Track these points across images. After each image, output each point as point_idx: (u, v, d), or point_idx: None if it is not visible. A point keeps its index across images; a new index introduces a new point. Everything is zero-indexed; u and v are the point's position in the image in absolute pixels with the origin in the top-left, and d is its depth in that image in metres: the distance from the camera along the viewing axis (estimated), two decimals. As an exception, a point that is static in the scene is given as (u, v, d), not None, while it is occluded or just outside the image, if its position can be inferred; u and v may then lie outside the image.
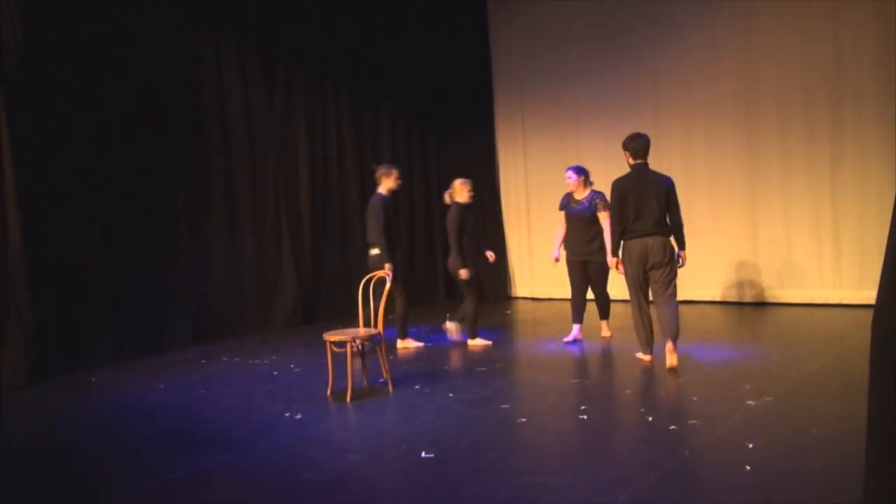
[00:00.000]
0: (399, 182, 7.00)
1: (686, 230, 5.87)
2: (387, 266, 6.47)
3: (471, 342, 6.93)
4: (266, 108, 8.67)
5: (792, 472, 3.37)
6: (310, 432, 4.46)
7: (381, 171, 6.98)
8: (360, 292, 5.53)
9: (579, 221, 6.69)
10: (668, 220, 5.63)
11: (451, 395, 5.12)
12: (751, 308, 8.29)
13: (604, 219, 6.50)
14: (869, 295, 6.96)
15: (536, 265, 10.21)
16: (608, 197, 5.94)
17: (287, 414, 4.86)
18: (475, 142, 10.56)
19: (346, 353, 5.12)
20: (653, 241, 5.55)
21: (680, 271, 5.85)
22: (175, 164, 7.76)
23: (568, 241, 6.84)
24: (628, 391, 5.13)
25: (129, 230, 7.31)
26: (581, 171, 6.79)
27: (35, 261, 6.45)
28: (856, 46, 7.66)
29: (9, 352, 6.23)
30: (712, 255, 8.64)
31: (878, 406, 2.32)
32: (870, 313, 2.43)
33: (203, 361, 6.86)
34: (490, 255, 7.17)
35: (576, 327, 6.86)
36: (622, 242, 5.75)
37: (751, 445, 3.71)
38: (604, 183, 6.34)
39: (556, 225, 7.06)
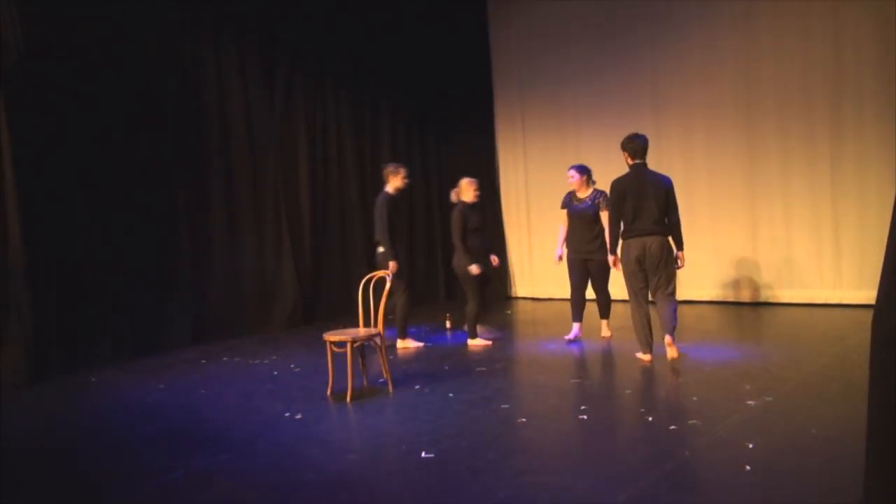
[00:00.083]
0: (407, 181, 7.03)
1: (686, 230, 5.88)
2: (391, 264, 6.51)
3: (471, 342, 6.93)
4: (266, 108, 8.68)
5: (792, 472, 3.37)
6: (310, 432, 4.46)
7: (388, 169, 7.02)
8: (360, 292, 5.53)
9: (581, 220, 6.71)
10: (666, 219, 5.66)
11: (450, 395, 5.12)
12: (751, 308, 8.28)
13: (605, 218, 6.51)
14: (869, 295, 6.97)
15: (536, 265, 10.21)
16: (610, 196, 5.97)
17: (287, 414, 4.86)
18: (475, 142, 10.56)
19: (346, 353, 5.12)
20: (651, 241, 5.60)
21: (680, 271, 5.88)
22: (175, 164, 7.76)
23: (570, 240, 6.85)
24: (628, 391, 5.13)
25: (129, 230, 7.31)
26: (583, 170, 6.82)
27: (35, 261, 6.45)
28: (856, 46, 7.65)
29: (9, 352, 6.23)
30: (712, 254, 8.64)
31: (878, 406, 2.32)
32: (870, 313, 2.43)
33: (203, 361, 6.86)
34: (494, 259, 7.18)
35: (576, 326, 6.89)
36: (621, 242, 5.79)
37: (751, 445, 3.71)
38: (604, 183, 6.37)
39: (558, 224, 7.08)
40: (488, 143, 10.60)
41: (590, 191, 6.79)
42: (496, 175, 10.60)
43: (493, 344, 6.90)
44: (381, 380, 5.48)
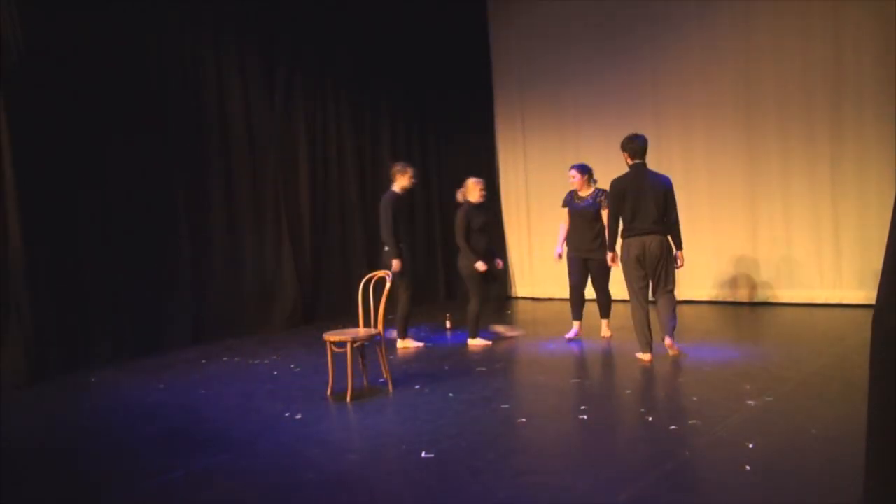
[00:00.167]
0: (414, 181, 7.04)
1: (686, 230, 5.89)
2: (395, 263, 6.52)
3: (471, 342, 6.92)
4: (266, 108, 8.67)
5: (792, 472, 3.37)
6: (310, 432, 4.46)
7: (396, 168, 7.02)
8: (360, 292, 5.53)
9: (583, 219, 6.73)
10: (665, 219, 5.68)
11: (450, 395, 5.12)
12: (751, 308, 8.28)
13: (606, 216, 6.52)
14: (869, 295, 6.98)
15: (536, 265, 10.21)
16: (611, 194, 6.00)
17: (287, 414, 4.86)
18: (475, 142, 10.56)
19: (346, 353, 5.12)
20: (651, 240, 5.65)
21: (680, 271, 5.89)
22: (175, 164, 7.75)
23: (570, 238, 6.86)
24: (628, 391, 5.12)
25: (129, 230, 7.30)
26: (585, 170, 6.84)
27: (35, 261, 6.45)
28: (856, 46, 7.65)
29: (9, 352, 6.23)
30: (712, 254, 8.64)
31: (878, 406, 2.32)
32: (870, 313, 2.43)
33: (203, 361, 6.86)
34: (499, 262, 7.19)
35: (576, 324, 6.92)
36: (621, 241, 5.83)
37: (751, 445, 3.71)
38: (604, 183, 6.38)
39: (558, 224, 7.08)
40: (488, 143, 10.61)
41: (591, 189, 6.81)
42: (496, 175, 10.60)
43: (498, 342, 6.91)
44: (381, 380, 5.48)
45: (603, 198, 6.63)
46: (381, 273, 5.56)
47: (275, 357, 6.88)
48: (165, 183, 7.68)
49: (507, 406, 4.82)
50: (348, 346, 5.10)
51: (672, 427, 4.13)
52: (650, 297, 5.82)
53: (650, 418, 4.36)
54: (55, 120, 6.69)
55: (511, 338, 7.14)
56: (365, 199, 9.60)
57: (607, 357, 6.35)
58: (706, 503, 3.18)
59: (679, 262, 5.81)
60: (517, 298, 10.36)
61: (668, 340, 5.77)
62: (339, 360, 5.32)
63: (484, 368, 5.95)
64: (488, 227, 7.02)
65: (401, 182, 6.93)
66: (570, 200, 6.87)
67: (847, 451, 3.48)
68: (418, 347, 6.97)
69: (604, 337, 6.92)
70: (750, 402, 4.48)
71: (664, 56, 8.90)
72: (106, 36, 7.10)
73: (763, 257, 8.44)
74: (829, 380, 4.98)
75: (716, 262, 8.67)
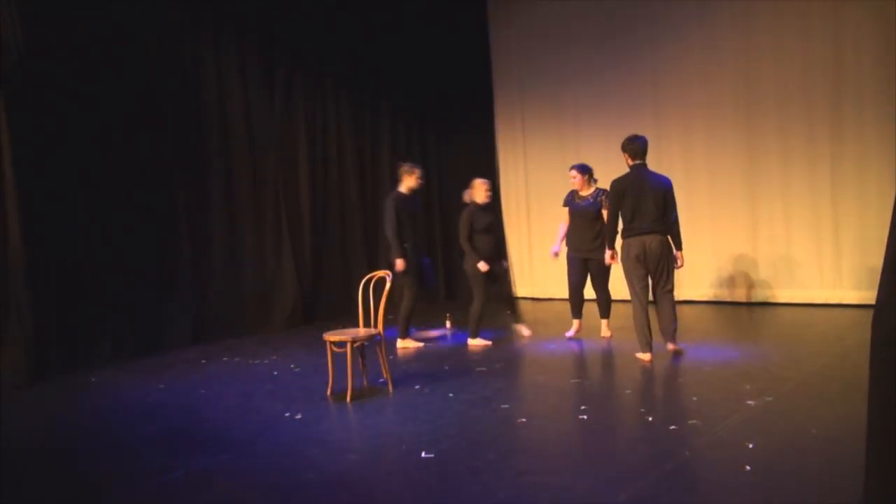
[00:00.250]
0: (421, 182, 7.05)
1: (686, 230, 5.90)
2: (398, 262, 6.54)
3: (471, 342, 6.93)
4: (266, 108, 8.68)
5: (792, 472, 3.37)
6: (310, 432, 4.46)
7: (404, 168, 7.04)
8: (360, 292, 5.53)
9: (583, 218, 6.73)
10: (665, 219, 5.71)
11: (450, 395, 5.12)
12: (751, 308, 8.28)
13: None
14: (869, 295, 6.97)
15: (536, 265, 10.21)
16: (612, 194, 6.02)
17: (287, 414, 4.86)
18: (475, 142, 10.56)
19: (346, 353, 5.12)
20: (651, 239, 5.67)
21: (680, 271, 5.90)
22: (175, 164, 7.76)
23: (570, 238, 6.87)
24: (628, 391, 5.13)
25: (129, 230, 7.31)
26: (585, 169, 6.85)
27: (35, 261, 6.45)
28: (856, 46, 7.65)
29: (9, 352, 6.23)
30: (712, 254, 8.64)
31: (878, 406, 2.32)
32: (870, 313, 2.43)
33: (203, 361, 6.86)
34: (504, 263, 7.18)
35: (576, 322, 6.95)
36: (621, 241, 5.85)
37: (751, 445, 3.71)
38: (604, 183, 6.38)
39: (558, 224, 7.08)
40: (488, 143, 10.60)
41: (591, 189, 6.82)
42: (496, 175, 10.57)
43: (508, 341, 6.91)
44: (381, 380, 5.48)
45: (603, 197, 6.64)
46: (381, 273, 5.56)
47: (275, 357, 6.88)
48: (165, 183, 7.68)
49: (507, 406, 4.81)
50: (348, 346, 5.10)
51: (672, 427, 4.13)
52: (650, 298, 5.83)
53: (650, 418, 4.36)
54: (55, 120, 6.69)
55: (527, 338, 7.12)
56: (365, 199, 9.60)
57: (607, 357, 6.36)
58: (706, 503, 3.18)
59: (679, 262, 5.83)
60: (517, 298, 10.34)
61: (670, 346, 5.83)
62: (339, 360, 5.32)
63: (484, 368, 5.95)
64: (494, 227, 7.01)
65: (407, 182, 6.94)
66: (571, 200, 6.88)
67: (847, 451, 3.48)
68: (418, 347, 6.97)
69: (604, 337, 6.92)
70: (750, 402, 4.48)
71: (664, 56, 8.90)
72: (106, 36, 7.10)
73: (763, 257, 8.44)
74: (829, 380, 4.98)
75: (715, 261, 8.67)
